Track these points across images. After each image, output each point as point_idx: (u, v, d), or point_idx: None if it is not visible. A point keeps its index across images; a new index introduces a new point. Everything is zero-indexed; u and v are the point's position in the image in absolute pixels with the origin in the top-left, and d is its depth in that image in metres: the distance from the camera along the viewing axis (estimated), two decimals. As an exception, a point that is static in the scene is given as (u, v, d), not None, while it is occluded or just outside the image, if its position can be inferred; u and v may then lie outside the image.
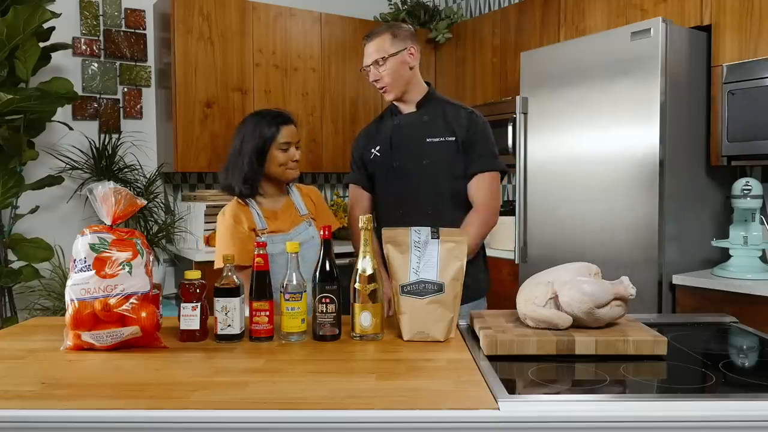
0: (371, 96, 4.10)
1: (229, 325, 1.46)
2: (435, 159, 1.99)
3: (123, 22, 3.64)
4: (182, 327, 1.47)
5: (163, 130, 3.67)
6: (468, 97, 3.98)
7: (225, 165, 1.95)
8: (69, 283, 1.39)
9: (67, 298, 1.38)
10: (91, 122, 3.57)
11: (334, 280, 1.47)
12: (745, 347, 1.49)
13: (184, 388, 1.14)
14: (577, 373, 1.25)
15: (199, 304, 1.47)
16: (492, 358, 1.30)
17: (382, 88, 2.02)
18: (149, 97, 3.75)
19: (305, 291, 1.48)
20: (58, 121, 3.28)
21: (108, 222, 1.44)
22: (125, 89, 3.66)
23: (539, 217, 2.99)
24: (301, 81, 3.87)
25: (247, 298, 1.51)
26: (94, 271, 1.37)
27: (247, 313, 1.53)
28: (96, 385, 1.16)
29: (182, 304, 1.47)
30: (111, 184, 1.44)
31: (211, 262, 1.96)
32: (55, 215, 3.45)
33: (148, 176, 3.61)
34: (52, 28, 3.16)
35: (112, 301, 1.36)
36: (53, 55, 3.25)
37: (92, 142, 3.49)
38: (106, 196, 1.42)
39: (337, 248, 2.26)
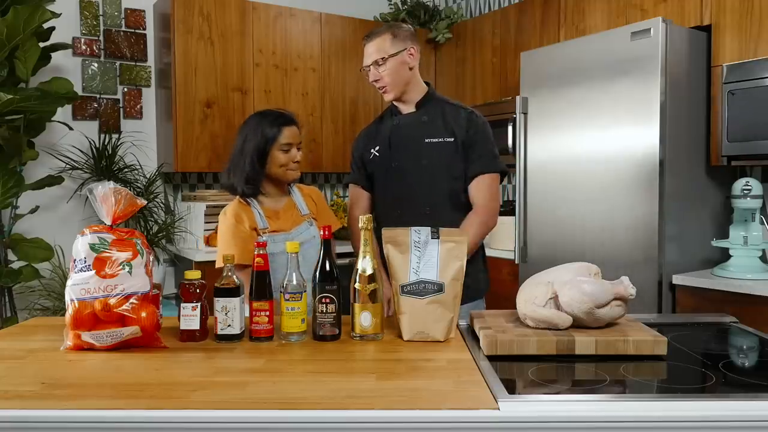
0: (371, 96, 4.10)
1: (229, 325, 1.46)
2: (433, 159, 1.99)
3: (123, 22, 3.64)
4: (182, 327, 1.47)
5: (163, 130, 3.67)
6: (468, 97, 3.98)
7: (227, 164, 1.96)
8: (69, 283, 1.39)
9: (67, 298, 1.38)
10: (91, 122, 3.57)
11: (334, 280, 1.47)
12: (745, 347, 1.49)
13: (184, 388, 1.14)
14: (577, 373, 1.25)
15: (199, 304, 1.47)
16: (492, 358, 1.30)
17: (382, 88, 2.02)
18: (149, 97, 3.75)
19: (305, 291, 1.48)
20: (58, 121, 3.28)
21: (108, 222, 1.44)
22: (125, 89, 3.66)
23: (539, 217, 2.99)
24: (301, 81, 3.87)
25: (248, 298, 1.51)
26: (94, 271, 1.37)
27: (247, 313, 1.53)
28: (96, 385, 1.16)
29: (182, 304, 1.47)
30: (111, 184, 1.44)
31: (211, 262, 1.96)
32: (55, 215, 3.45)
33: (148, 176, 3.61)
34: (52, 28, 3.16)
35: (112, 301, 1.36)
36: (53, 55, 3.25)
37: (92, 142, 3.49)
38: (106, 196, 1.42)
39: (338, 248, 2.27)
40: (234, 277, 1.49)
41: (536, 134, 2.99)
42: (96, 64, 3.56)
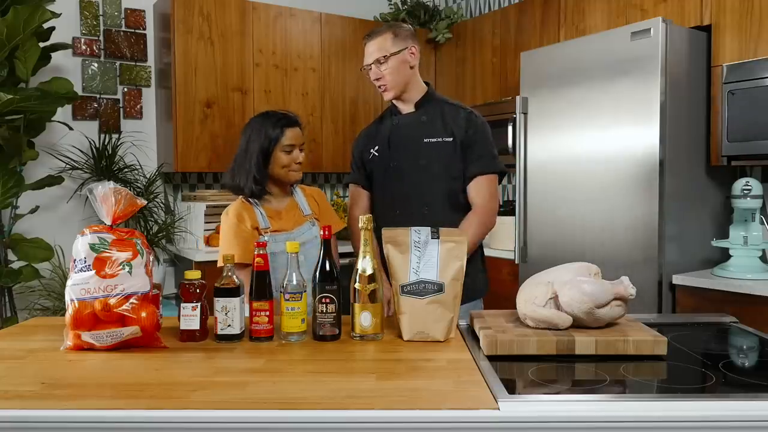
0: (371, 96, 4.10)
1: (229, 325, 1.46)
2: (432, 159, 1.99)
3: (123, 22, 3.64)
4: (182, 327, 1.47)
5: (163, 130, 3.67)
6: (468, 97, 3.98)
7: (231, 165, 1.97)
8: (69, 283, 1.39)
9: (67, 298, 1.38)
10: (91, 122, 3.57)
11: (334, 280, 1.47)
12: (745, 347, 1.49)
13: (184, 388, 1.14)
14: (577, 373, 1.25)
15: (199, 304, 1.47)
16: (492, 358, 1.30)
17: (383, 86, 2.02)
18: (149, 97, 3.75)
19: (305, 291, 1.48)
20: (58, 121, 3.28)
21: (108, 222, 1.44)
22: (125, 89, 3.66)
23: (539, 217, 2.99)
24: (301, 81, 3.87)
25: (248, 298, 1.51)
26: (94, 271, 1.37)
27: (247, 313, 1.53)
28: (96, 385, 1.16)
29: (182, 304, 1.47)
30: (111, 184, 1.44)
31: (211, 262, 1.96)
32: (55, 215, 3.45)
33: (148, 176, 3.61)
34: (52, 28, 3.16)
35: (112, 301, 1.36)
36: (53, 55, 3.25)
37: (92, 142, 3.49)
38: (106, 196, 1.42)
39: (340, 248, 2.27)
40: (234, 277, 1.49)
41: (536, 134, 2.99)
42: (96, 64, 3.56)
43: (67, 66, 3.47)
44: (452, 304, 1.45)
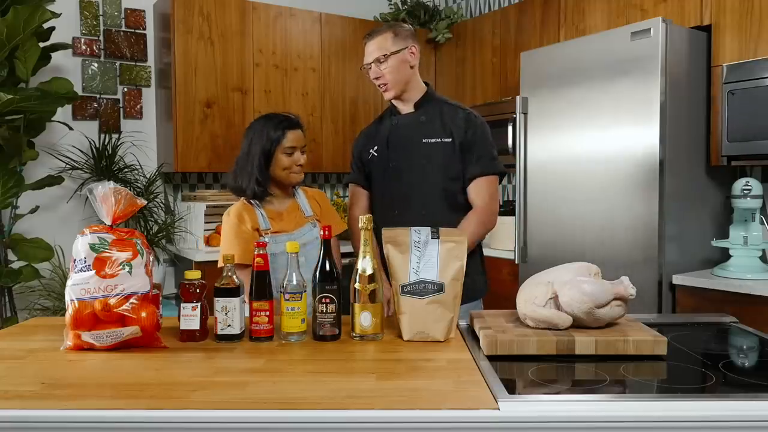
0: (371, 96, 4.10)
1: (229, 325, 1.46)
2: (431, 160, 1.99)
3: (123, 22, 3.64)
4: (182, 327, 1.47)
5: (163, 130, 3.67)
6: (468, 97, 3.98)
7: (233, 167, 1.98)
8: (69, 283, 1.39)
9: (67, 298, 1.38)
10: (91, 122, 3.57)
11: (334, 280, 1.47)
12: (745, 347, 1.49)
13: (184, 388, 1.14)
14: (577, 373, 1.25)
15: (199, 304, 1.47)
16: (492, 358, 1.30)
17: (383, 86, 2.02)
18: (149, 97, 3.75)
19: (305, 291, 1.48)
20: (58, 121, 3.28)
21: (108, 222, 1.44)
22: (125, 89, 3.66)
23: (539, 217, 2.99)
24: (301, 81, 3.87)
25: (248, 298, 1.51)
26: (94, 271, 1.37)
27: (247, 313, 1.53)
28: (96, 385, 1.16)
29: (182, 304, 1.47)
30: (111, 184, 1.44)
31: (211, 262, 1.97)
32: (55, 215, 3.45)
33: (148, 176, 3.61)
34: (52, 28, 3.16)
35: (112, 301, 1.36)
36: (53, 55, 3.25)
37: (92, 142, 3.49)
38: (106, 196, 1.42)
39: (342, 248, 2.27)
40: (234, 277, 1.49)
41: (536, 134, 2.99)
42: (96, 64, 3.56)
43: (67, 66, 3.47)
44: (452, 304, 1.45)
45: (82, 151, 3.49)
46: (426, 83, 2.10)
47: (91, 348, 1.38)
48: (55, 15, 2.89)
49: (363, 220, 1.49)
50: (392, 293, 1.52)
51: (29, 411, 1.04)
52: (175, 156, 3.47)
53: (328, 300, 1.46)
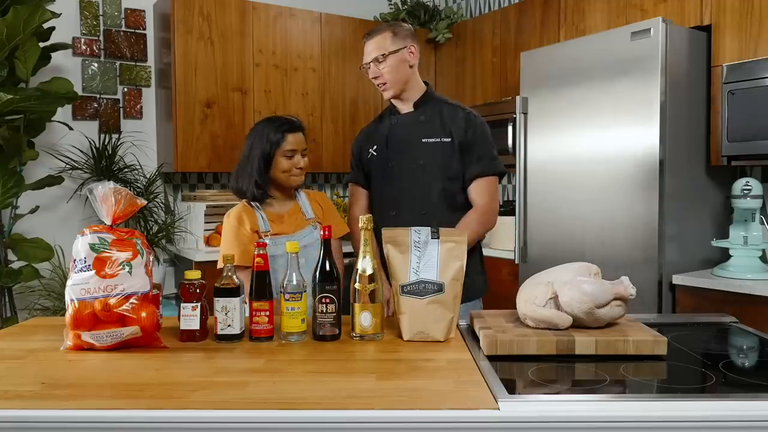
0: (371, 96, 4.10)
1: (229, 325, 1.46)
2: (430, 159, 1.99)
3: (123, 22, 3.64)
4: (182, 327, 1.47)
5: (163, 130, 3.67)
6: (468, 97, 3.98)
7: (235, 168, 1.99)
8: (69, 283, 1.39)
9: (67, 298, 1.38)
10: (91, 122, 3.57)
11: (334, 280, 1.47)
12: (745, 347, 1.49)
13: (184, 388, 1.14)
14: (577, 373, 1.25)
15: (199, 304, 1.47)
16: (492, 358, 1.30)
17: (382, 85, 2.02)
18: (149, 97, 3.75)
19: (305, 291, 1.48)
20: (58, 121, 3.28)
21: (108, 222, 1.44)
22: (125, 89, 3.66)
23: (539, 217, 2.99)
24: (301, 81, 3.87)
25: (247, 298, 1.51)
26: (94, 271, 1.37)
27: (247, 313, 1.53)
28: (96, 385, 1.16)
29: (182, 304, 1.47)
30: (111, 184, 1.44)
31: (211, 262, 1.97)
32: (55, 215, 3.45)
33: (148, 176, 3.61)
34: (52, 28, 3.16)
35: (112, 301, 1.36)
36: (53, 55, 3.25)
37: (92, 142, 3.49)
38: (106, 196, 1.42)
39: (344, 248, 2.27)
40: (234, 277, 1.49)
41: (536, 134, 2.99)
42: (96, 64, 3.56)
43: (67, 66, 3.47)
44: (452, 304, 1.45)
45: (82, 151, 3.48)
46: (425, 83, 2.10)
47: (91, 348, 1.38)
48: (55, 15, 2.89)
49: (363, 220, 1.49)
50: (392, 293, 1.52)
51: (29, 411, 1.04)
52: (175, 156, 3.47)
53: (328, 300, 1.46)
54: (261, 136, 1.93)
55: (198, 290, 1.47)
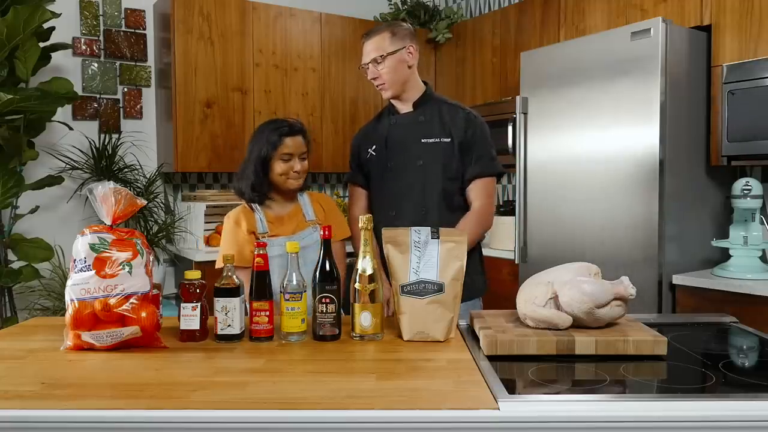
0: (371, 96, 4.10)
1: (229, 325, 1.46)
2: (429, 160, 1.99)
3: (123, 22, 3.64)
4: (182, 327, 1.47)
5: (163, 130, 3.67)
6: (468, 97, 3.98)
7: (238, 170, 1.99)
8: (69, 283, 1.39)
9: (67, 298, 1.38)
10: (91, 122, 3.57)
11: (334, 280, 1.47)
12: (745, 347, 1.49)
13: (184, 388, 1.14)
14: (577, 373, 1.25)
15: (199, 304, 1.47)
16: (492, 358, 1.30)
17: (381, 85, 2.02)
18: (149, 97, 3.75)
19: (305, 291, 1.48)
20: (58, 121, 3.28)
21: (108, 222, 1.44)
22: (125, 89, 3.66)
23: (539, 217, 2.99)
24: (301, 81, 3.87)
25: (247, 298, 1.51)
26: (94, 271, 1.37)
27: (247, 313, 1.53)
28: (96, 385, 1.16)
29: (182, 304, 1.47)
30: (111, 184, 1.44)
31: (211, 262, 1.97)
32: (55, 215, 3.45)
33: (148, 176, 3.61)
34: (52, 28, 3.16)
35: (112, 301, 1.36)
36: (53, 55, 3.24)
37: (92, 142, 3.49)
38: (106, 196, 1.42)
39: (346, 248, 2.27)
40: (234, 277, 1.49)
41: (536, 134, 2.99)
42: (96, 64, 3.56)
43: (67, 66, 3.47)
44: (452, 304, 1.45)
45: (82, 151, 3.48)
46: (425, 83, 2.10)
47: (91, 348, 1.38)
48: (55, 15, 2.89)
49: (363, 220, 1.49)
50: (392, 293, 1.52)
51: (29, 411, 1.04)
52: (175, 156, 3.47)
53: (328, 300, 1.46)
54: (260, 138, 1.92)
55: (198, 290, 1.47)
